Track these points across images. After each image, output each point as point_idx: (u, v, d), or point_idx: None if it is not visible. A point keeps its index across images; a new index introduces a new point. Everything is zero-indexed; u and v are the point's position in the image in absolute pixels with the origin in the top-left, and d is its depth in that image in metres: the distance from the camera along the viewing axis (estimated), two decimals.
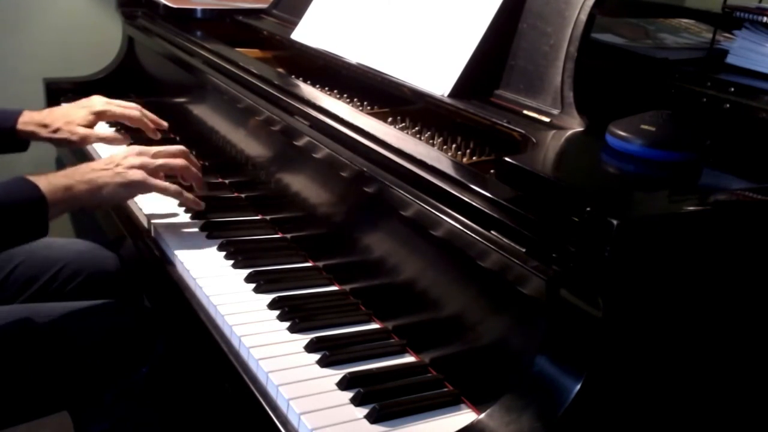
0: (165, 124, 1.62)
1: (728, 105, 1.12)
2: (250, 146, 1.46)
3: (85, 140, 1.51)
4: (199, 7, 1.90)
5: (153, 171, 1.26)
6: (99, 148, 1.70)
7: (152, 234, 1.32)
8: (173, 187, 1.29)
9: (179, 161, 1.32)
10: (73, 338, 1.20)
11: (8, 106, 2.26)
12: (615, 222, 0.72)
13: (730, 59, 1.27)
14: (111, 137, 1.61)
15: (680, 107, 1.16)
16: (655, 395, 0.82)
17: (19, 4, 2.26)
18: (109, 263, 1.44)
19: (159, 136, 1.64)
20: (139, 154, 1.27)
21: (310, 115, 1.22)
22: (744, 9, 1.25)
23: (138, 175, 1.23)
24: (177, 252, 1.23)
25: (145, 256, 1.30)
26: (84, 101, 1.60)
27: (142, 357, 1.27)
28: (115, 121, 1.77)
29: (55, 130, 1.50)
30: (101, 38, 2.28)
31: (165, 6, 1.90)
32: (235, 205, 1.44)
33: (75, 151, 1.79)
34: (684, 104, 1.17)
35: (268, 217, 1.38)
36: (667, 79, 1.21)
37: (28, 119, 1.50)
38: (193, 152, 1.70)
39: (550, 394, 0.76)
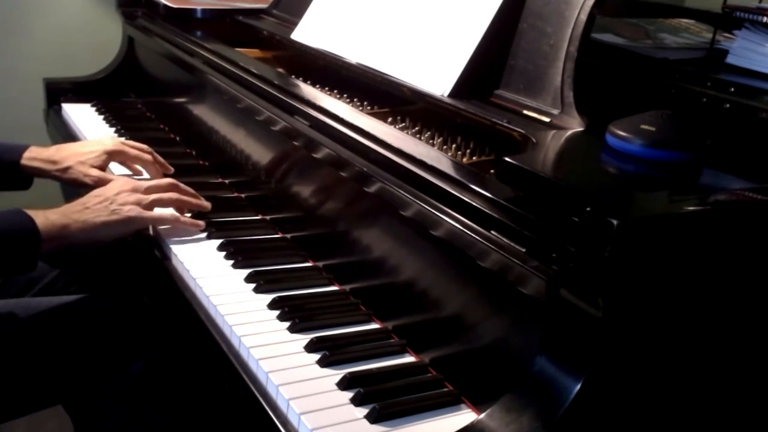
0: (171, 169, 1.54)
1: (728, 105, 1.12)
2: (250, 146, 1.46)
3: (99, 183, 1.39)
4: (199, 7, 1.90)
5: (147, 206, 1.27)
6: None
7: (152, 233, 1.31)
8: (169, 215, 1.30)
9: (172, 195, 1.32)
10: (66, 332, 1.20)
11: (8, 106, 2.29)
12: (615, 222, 0.72)
13: (730, 59, 1.27)
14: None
15: (680, 107, 1.16)
16: (655, 395, 0.82)
17: (19, 4, 2.26)
18: (108, 263, 1.43)
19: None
20: (133, 190, 1.28)
21: (310, 115, 1.22)
22: (744, 9, 1.25)
23: (134, 211, 1.24)
24: (177, 252, 1.23)
25: (145, 256, 1.30)
26: (95, 140, 1.57)
27: (136, 352, 1.26)
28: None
29: (65, 169, 1.44)
30: (101, 38, 2.29)
31: (165, 6, 1.90)
32: (235, 205, 1.44)
33: None
34: (684, 104, 1.17)
35: (268, 217, 1.38)
36: (667, 79, 1.21)
37: (35, 155, 1.44)
38: (193, 152, 1.71)
39: (550, 394, 0.76)
